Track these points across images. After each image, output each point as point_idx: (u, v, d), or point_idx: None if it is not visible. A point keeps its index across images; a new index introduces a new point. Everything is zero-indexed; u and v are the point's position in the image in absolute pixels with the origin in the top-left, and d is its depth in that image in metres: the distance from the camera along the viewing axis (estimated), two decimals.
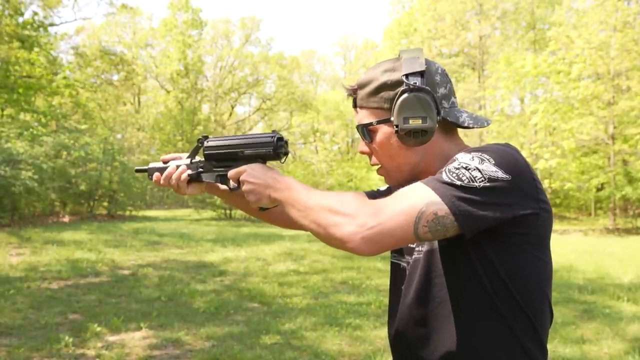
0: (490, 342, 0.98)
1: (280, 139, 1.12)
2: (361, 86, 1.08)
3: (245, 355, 3.96)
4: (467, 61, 27.79)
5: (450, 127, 1.08)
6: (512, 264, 0.96)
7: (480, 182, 0.89)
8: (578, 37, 17.61)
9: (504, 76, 18.41)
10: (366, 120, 1.07)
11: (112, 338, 4.36)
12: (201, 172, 1.21)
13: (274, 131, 1.14)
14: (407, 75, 1.01)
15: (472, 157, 0.92)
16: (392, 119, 1.02)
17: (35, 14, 15.78)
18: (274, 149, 1.11)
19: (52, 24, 18.26)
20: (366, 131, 1.08)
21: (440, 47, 28.04)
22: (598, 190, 19.97)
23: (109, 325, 4.64)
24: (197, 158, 1.25)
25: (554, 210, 21.99)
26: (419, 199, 0.90)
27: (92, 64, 24.47)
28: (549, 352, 1.03)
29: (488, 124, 1.09)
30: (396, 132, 1.01)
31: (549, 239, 1.02)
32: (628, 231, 17.06)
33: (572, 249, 11.43)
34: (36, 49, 15.71)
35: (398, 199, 0.93)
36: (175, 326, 4.72)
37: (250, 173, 1.09)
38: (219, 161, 1.18)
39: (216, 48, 39.51)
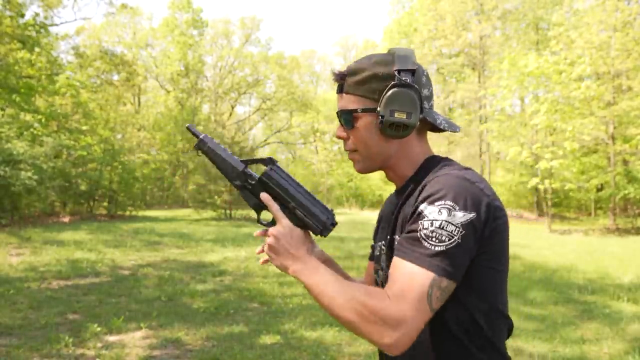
0: (442, 354, 1.04)
1: (334, 225, 1.11)
2: (351, 73, 1.11)
3: (245, 355, 3.96)
4: (467, 61, 27.76)
5: (423, 128, 1.15)
6: (467, 281, 1.00)
7: (457, 234, 0.95)
8: (579, 37, 17.60)
9: (504, 76, 18.40)
10: (352, 107, 1.11)
11: (112, 338, 4.36)
12: (246, 188, 1.14)
13: (331, 211, 1.11)
14: (399, 71, 1.06)
15: (439, 211, 0.96)
16: (378, 109, 1.06)
17: (37, 14, 15.75)
18: (321, 230, 1.10)
19: (52, 24, 18.25)
20: (349, 117, 1.11)
21: (441, 47, 28.01)
22: (598, 190, 19.96)
23: (108, 325, 4.64)
24: (249, 168, 1.17)
25: (554, 210, 21.91)
26: (423, 286, 0.94)
27: (92, 64, 24.45)
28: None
29: (458, 131, 1.15)
30: (381, 122, 1.06)
31: (507, 244, 1.06)
32: (628, 231, 17.05)
33: (572, 249, 11.43)
34: (37, 49, 15.68)
35: (407, 299, 0.94)
36: (175, 326, 4.72)
37: (285, 233, 1.08)
38: (269, 194, 1.12)
39: (216, 48, 39.50)
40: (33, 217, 15.00)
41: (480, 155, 25.90)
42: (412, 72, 1.07)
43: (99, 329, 4.51)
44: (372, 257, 1.31)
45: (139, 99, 35.13)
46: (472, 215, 0.96)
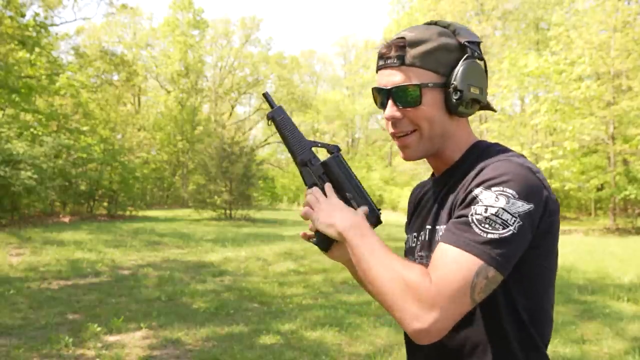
0: (489, 351, 0.96)
1: (380, 222, 1.10)
2: (413, 44, 0.99)
3: (245, 355, 3.95)
4: None
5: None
6: (515, 275, 0.93)
7: (513, 224, 0.87)
8: (578, 37, 17.60)
9: (504, 76, 18.41)
10: (419, 80, 0.98)
11: (111, 338, 4.36)
12: (307, 166, 1.14)
13: (379, 210, 1.09)
14: (470, 42, 0.99)
15: (496, 197, 0.88)
16: (454, 82, 0.97)
17: (37, 14, 15.74)
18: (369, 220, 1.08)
19: (52, 25, 18.24)
20: (416, 92, 0.99)
21: None
22: (598, 190, 19.96)
23: (108, 325, 4.64)
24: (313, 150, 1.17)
25: None
26: (468, 273, 0.87)
27: (92, 64, 24.44)
28: (549, 352, 1.03)
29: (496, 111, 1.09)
30: (459, 98, 0.97)
31: (557, 244, 1.00)
32: (628, 231, 17.04)
33: (572, 249, 11.42)
34: (37, 50, 15.67)
35: (448, 285, 0.86)
36: (175, 326, 4.72)
37: (345, 214, 1.01)
38: (328, 178, 1.12)
39: (216, 48, 39.55)
40: (33, 217, 14.99)
41: None
42: (479, 44, 1.00)
43: (99, 329, 4.51)
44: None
45: (139, 99, 35.13)
46: (530, 206, 0.89)
